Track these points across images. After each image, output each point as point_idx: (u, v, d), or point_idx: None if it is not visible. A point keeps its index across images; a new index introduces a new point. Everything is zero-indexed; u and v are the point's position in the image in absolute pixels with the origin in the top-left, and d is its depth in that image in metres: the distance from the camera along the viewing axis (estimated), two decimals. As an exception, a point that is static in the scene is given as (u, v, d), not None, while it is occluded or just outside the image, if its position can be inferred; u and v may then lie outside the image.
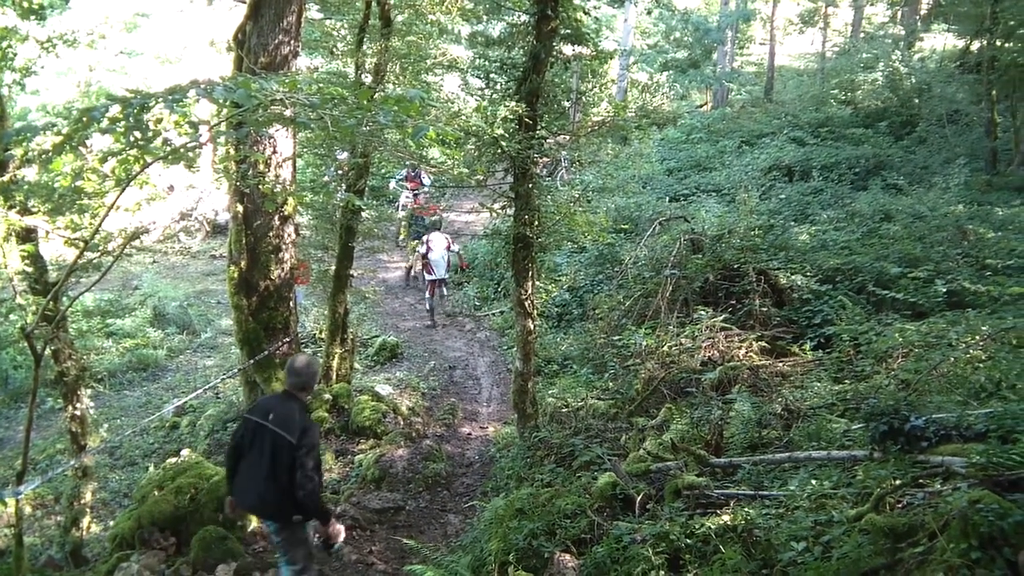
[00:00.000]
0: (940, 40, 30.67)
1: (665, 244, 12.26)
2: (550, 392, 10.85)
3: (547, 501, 6.52)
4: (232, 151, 8.26)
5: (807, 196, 17.13)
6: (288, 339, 10.65)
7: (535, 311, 9.28)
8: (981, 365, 7.12)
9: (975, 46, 22.96)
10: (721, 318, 10.11)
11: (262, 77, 4.37)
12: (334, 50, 14.45)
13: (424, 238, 15.64)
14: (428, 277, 15.80)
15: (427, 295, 16.11)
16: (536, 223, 8.75)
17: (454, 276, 18.01)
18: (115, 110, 3.97)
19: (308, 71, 14.43)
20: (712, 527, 5.10)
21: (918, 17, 31.86)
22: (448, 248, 15.69)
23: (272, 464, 5.65)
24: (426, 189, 20.71)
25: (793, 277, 11.21)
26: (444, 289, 16.42)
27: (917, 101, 23.54)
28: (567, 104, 19.08)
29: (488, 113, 8.50)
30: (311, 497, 5.63)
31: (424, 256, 15.61)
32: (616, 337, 10.89)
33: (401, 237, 17.39)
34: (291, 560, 5.93)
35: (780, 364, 9.17)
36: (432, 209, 17.20)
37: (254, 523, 7.59)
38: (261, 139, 9.69)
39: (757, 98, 31.53)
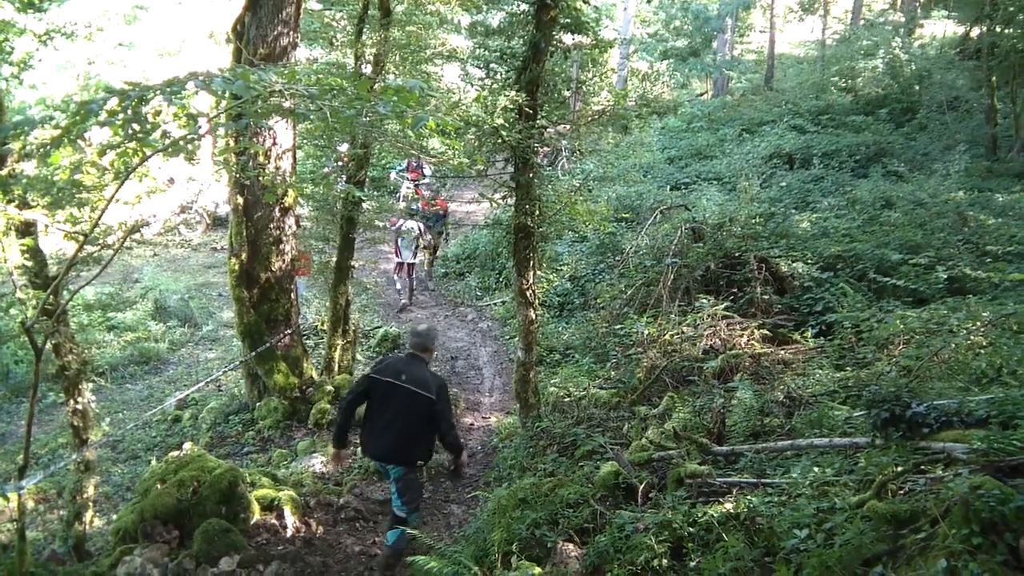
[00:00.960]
0: (940, 27, 30.61)
1: (666, 233, 12.25)
2: (552, 382, 10.85)
3: (550, 491, 6.52)
4: (232, 143, 8.27)
5: (808, 184, 17.09)
6: (290, 331, 10.67)
7: (537, 301, 9.27)
8: (982, 351, 7.11)
9: (975, 32, 22.88)
10: (723, 306, 10.10)
11: (261, 68, 4.36)
12: (333, 41, 14.45)
13: (398, 222, 16.02)
14: (396, 259, 16.42)
15: (394, 275, 16.82)
16: (537, 213, 8.74)
17: (455, 267, 18.03)
18: (113, 103, 3.96)
19: (307, 62, 14.40)
20: (715, 515, 5.10)
21: (918, 4, 31.78)
22: (419, 236, 16.20)
23: (408, 418, 6.61)
24: (427, 180, 20.68)
25: (794, 265, 11.20)
26: (416, 273, 16.96)
27: (917, 88, 23.47)
28: (567, 93, 19.01)
29: (488, 103, 8.47)
30: (456, 439, 6.96)
31: (395, 241, 16.19)
32: (618, 326, 10.89)
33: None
34: (407, 500, 6.91)
35: (782, 352, 9.18)
36: (441, 204, 17.06)
37: (257, 515, 7.60)
38: (261, 131, 9.70)
39: (757, 86, 31.46)
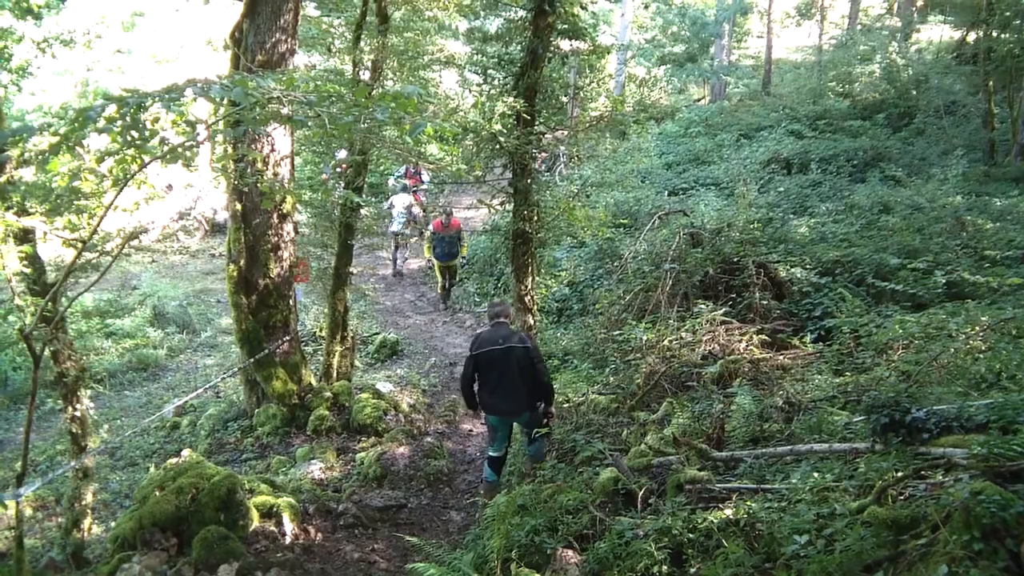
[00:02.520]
0: (937, 31, 30.71)
1: (664, 238, 12.24)
2: (551, 387, 10.83)
3: (549, 497, 6.51)
4: (230, 149, 8.25)
5: (806, 189, 17.12)
6: (288, 337, 10.64)
7: (535, 306, 9.30)
8: (981, 356, 7.11)
9: (971, 37, 23.00)
10: (721, 312, 10.10)
11: (259, 75, 4.36)
12: (331, 47, 14.44)
13: (391, 198, 17.63)
14: (390, 229, 17.93)
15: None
16: (535, 218, 8.76)
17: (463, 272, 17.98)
18: (111, 110, 3.96)
19: (305, 69, 14.41)
20: (714, 521, 5.10)
21: (914, 8, 31.89)
22: (409, 208, 17.69)
23: (520, 372, 7.80)
24: (425, 186, 20.69)
25: (793, 270, 11.21)
26: (405, 245, 18.88)
27: (914, 93, 23.53)
28: (565, 99, 19.08)
29: (486, 109, 8.50)
30: (550, 381, 8.09)
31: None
32: (616, 332, 10.87)
33: (428, 258, 16.81)
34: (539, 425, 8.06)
35: (781, 357, 9.17)
36: (455, 224, 16.38)
37: (255, 522, 7.58)
38: (259, 137, 9.69)
39: (755, 91, 31.51)
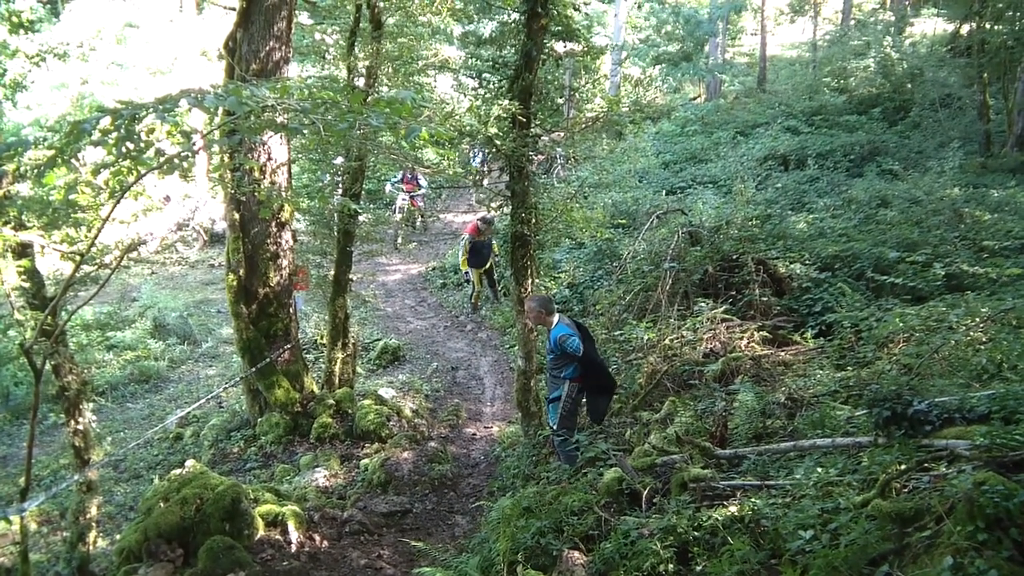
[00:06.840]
0: (930, 25, 30.77)
1: (663, 237, 12.24)
2: (553, 389, 10.83)
3: (554, 499, 6.50)
4: (226, 159, 8.24)
5: (803, 184, 17.14)
6: (289, 345, 10.64)
7: (535, 309, 9.27)
8: (982, 347, 7.11)
9: (965, 30, 23.00)
10: (722, 309, 10.11)
11: (253, 84, 4.36)
12: (326, 55, 14.45)
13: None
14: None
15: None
16: (533, 221, 8.75)
17: (453, 277, 17.96)
18: (106, 122, 3.96)
19: (298, 79, 14.40)
20: (719, 519, 5.09)
21: (908, 2, 31.94)
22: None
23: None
24: (423, 191, 20.71)
25: (792, 266, 11.21)
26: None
27: (910, 86, 23.61)
28: (561, 101, 19.10)
29: (482, 112, 8.50)
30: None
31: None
32: (617, 332, 10.88)
33: (464, 270, 16.17)
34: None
35: (782, 353, 9.17)
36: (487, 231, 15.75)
37: (261, 531, 7.58)
38: (255, 146, 9.69)
39: (750, 88, 31.56)
